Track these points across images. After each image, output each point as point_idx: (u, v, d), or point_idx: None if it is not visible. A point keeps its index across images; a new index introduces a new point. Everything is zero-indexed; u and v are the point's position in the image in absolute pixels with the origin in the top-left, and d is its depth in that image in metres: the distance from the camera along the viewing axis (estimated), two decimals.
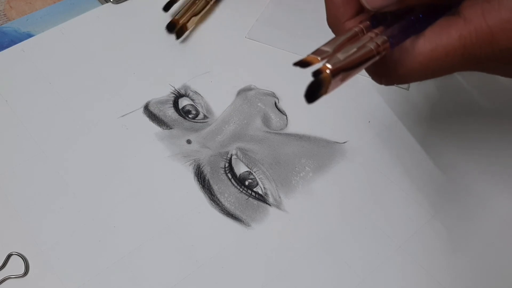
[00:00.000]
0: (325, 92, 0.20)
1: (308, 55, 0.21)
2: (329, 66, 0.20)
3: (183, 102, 0.39)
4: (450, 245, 0.33)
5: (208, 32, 0.44)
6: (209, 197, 0.34)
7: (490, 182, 0.36)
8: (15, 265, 0.31)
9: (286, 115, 0.39)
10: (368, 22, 0.23)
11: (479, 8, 0.21)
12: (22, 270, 0.31)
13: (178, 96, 0.40)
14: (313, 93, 0.20)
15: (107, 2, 0.46)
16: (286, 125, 0.38)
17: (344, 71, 0.20)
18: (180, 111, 0.39)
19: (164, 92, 0.40)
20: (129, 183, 0.35)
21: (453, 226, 0.34)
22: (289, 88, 0.40)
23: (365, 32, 0.23)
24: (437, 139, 0.38)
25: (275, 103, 0.39)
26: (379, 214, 0.34)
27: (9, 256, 0.32)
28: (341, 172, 0.36)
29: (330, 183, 0.35)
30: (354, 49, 0.21)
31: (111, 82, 0.40)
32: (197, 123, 0.38)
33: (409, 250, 0.33)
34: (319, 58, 0.21)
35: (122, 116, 0.38)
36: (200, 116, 0.39)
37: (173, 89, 0.40)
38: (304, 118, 0.38)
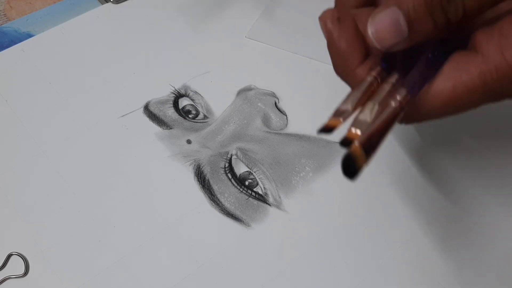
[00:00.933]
0: (363, 164, 0.19)
1: (330, 119, 0.20)
2: (356, 133, 0.19)
3: (183, 102, 0.39)
4: (450, 245, 0.33)
5: (208, 32, 0.44)
6: (209, 197, 0.34)
7: (489, 182, 0.36)
8: (15, 265, 0.31)
9: (286, 115, 0.39)
10: (379, 68, 0.23)
11: (496, 44, 0.20)
12: (22, 270, 0.31)
13: (178, 96, 0.40)
14: (350, 168, 0.19)
15: (107, 2, 0.46)
16: (286, 125, 0.38)
17: (372, 140, 0.19)
18: (180, 111, 0.39)
19: (164, 92, 0.40)
20: (129, 183, 0.35)
21: (454, 226, 0.34)
22: (289, 88, 0.40)
23: (379, 80, 0.22)
24: (438, 139, 0.38)
25: (275, 103, 0.39)
26: (379, 214, 0.34)
27: (9, 256, 0.32)
28: (341, 172, 0.36)
29: (330, 183, 0.35)
30: (375, 111, 0.20)
31: (111, 82, 0.40)
32: (197, 123, 0.38)
33: (409, 250, 0.33)
34: (341, 119, 0.20)
35: (122, 116, 0.39)
36: (200, 116, 0.39)
37: (173, 89, 0.40)
38: (304, 118, 0.38)
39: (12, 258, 0.32)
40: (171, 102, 0.39)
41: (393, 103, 0.20)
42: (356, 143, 0.19)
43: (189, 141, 0.37)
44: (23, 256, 0.32)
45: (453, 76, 0.21)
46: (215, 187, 0.35)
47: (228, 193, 0.34)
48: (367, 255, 0.32)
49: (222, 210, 0.34)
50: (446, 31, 0.21)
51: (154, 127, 0.38)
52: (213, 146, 0.37)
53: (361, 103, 0.21)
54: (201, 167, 0.36)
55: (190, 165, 0.36)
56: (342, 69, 0.25)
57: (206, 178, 0.35)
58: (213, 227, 0.33)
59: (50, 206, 0.34)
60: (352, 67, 0.24)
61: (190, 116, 0.39)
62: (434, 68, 0.22)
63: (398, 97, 0.21)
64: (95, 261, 0.32)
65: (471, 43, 0.22)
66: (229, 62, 0.42)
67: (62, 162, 0.36)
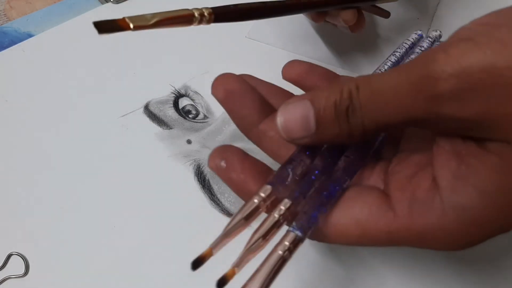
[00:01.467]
0: None
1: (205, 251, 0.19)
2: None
3: (183, 102, 0.39)
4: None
5: (208, 32, 0.44)
6: (209, 197, 0.34)
7: None
8: (15, 265, 0.31)
9: None
10: (268, 189, 0.21)
11: (408, 207, 0.20)
12: (22, 270, 0.31)
13: (178, 96, 0.40)
14: None
15: (107, 2, 0.46)
16: None
17: None
18: (180, 111, 0.39)
19: (164, 92, 0.40)
20: (129, 183, 0.35)
21: None
22: (289, 88, 0.40)
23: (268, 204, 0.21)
24: None
25: None
26: None
27: (9, 256, 0.32)
28: None
29: None
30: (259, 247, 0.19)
31: (111, 82, 0.40)
32: (197, 123, 0.38)
33: (410, 249, 0.33)
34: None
35: (122, 116, 0.39)
36: (200, 116, 0.39)
37: (173, 89, 0.40)
38: None
39: (12, 258, 0.32)
40: (171, 102, 0.39)
41: (280, 250, 0.19)
42: None
43: (189, 141, 0.37)
44: (23, 256, 0.32)
45: (361, 225, 0.21)
46: (215, 187, 0.35)
47: (228, 193, 0.34)
48: (367, 255, 0.32)
49: (222, 210, 0.34)
50: (350, 141, 0.21)
51: (154, 127, 0.38)
52: (213, 146, 0.37)
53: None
54: (201, 167, 0.36)
55: (190, 165, 0.36)
56: (243, 197, 0.24)
57: (206, 178, 0.35)
58: (213, 227, 0.33)
59: (50, 206, 0.34)
60: (251, 193, 0.22)
61: (190, 116, 0.39)
62: (331, 200, 0.21)
63: (286, 242, 0.20)
64: (95, 261, 0.32)
65: (386, 180, 0.22)
66: (229, 62, 0.42)
67: (62, 162, 0.36)
